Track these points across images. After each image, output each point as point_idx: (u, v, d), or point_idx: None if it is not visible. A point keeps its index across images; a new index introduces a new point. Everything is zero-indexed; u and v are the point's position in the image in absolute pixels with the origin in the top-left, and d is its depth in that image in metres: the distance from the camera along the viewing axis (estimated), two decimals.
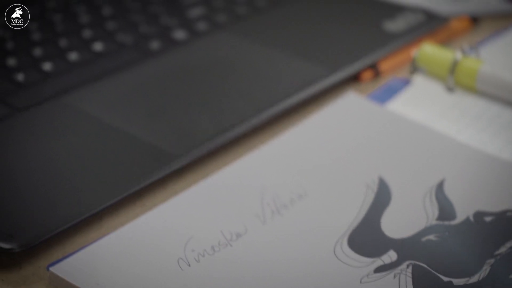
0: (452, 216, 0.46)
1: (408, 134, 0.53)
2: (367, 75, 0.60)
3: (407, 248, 0.44)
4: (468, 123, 0.55)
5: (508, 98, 0.57)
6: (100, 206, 0.45)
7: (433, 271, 0.43)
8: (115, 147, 0.50)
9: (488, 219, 0.46)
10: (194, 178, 0.49)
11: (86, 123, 0.52)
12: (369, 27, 0.65)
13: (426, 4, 0.69)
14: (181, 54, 0.60)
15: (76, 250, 0.43)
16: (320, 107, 0.56)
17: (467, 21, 0.68)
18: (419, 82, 0.60)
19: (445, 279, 0.42)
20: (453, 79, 0.58)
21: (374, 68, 0.60)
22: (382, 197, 0.47)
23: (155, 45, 0.61)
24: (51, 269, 0.41)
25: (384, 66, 0.61)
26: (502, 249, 0.44)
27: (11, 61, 0.57)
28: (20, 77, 0.55)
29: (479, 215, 0.46)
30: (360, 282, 0.42)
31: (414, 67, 0.60)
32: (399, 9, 0.67)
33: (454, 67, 0.58)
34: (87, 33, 0.61)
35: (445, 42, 0.65)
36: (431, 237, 0.45)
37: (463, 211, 0.47)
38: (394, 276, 0.42)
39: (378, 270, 0.43)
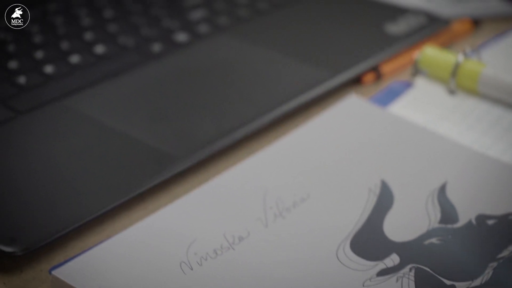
0: (455, 219, 0.46)
1: (410, 137, 0.53)
2: (369, 77, 0.60)
3: (409, 251, 0.44)
4: (470, 126, 0.55)
5: (510, 100, 0.57)
6: (102, 209, 0.45)
7: (435, 275, 0.43)
8: (117, 150, 0.50)
9: (490, 222, 0.46)
10: (196, 181, 0.49)
11: (88, 126, 0.52)
12: (371, 30, 0.65)
13: (428, 7, 0.69)
14: (183, 56, 0.60)
15: (78, 254, 0.43)
16: (322, 109, 0.56)
17: (468, 24, 0.68)
18: (421, 84, 0.60)
19: (448, 282, 0.42)
20: (455, 81, 0.58)
21: (376, 70, 0.60)
22: (384, 200, 0.47)
23: (156, 47, 0.61)
24: (53, 272, 0.41)
25: (386, 68, 0.61)
26: (505, 252, 0.44)
27: (13, 64, 0.57)
28: (22, 80, 0.55)
29: (481, 218, 0.46)
30: (363, 285, 0.42)
31: (416, 70, 0.60)
32: (401, 12, 0.67)
33: (456, 69, 0.58)
34: (88, 36, 0.61)
35: (447, 45, 0.65)
36: (434, 240, 0.45)
37: (465, 214, 0.47)
38: (397, 280, 0.42)
39: (381, 273, 0.43)
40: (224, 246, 0.44)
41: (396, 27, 0.65)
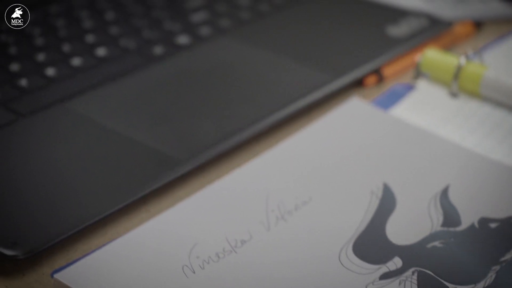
0: (457, 222, 0.46)
1: (412, 139, 0.53)
2: (371, 80, 0.60)
3: (412, 254, 0.44)
4: (472, 129, 0.55)
5: None
6: (104, 212, 0.45)
7: (438, 278, 0.42)
8: (119, 152, 0.50)
9: (493, 225, 0.46)
10: (198, 184, 0.49)
11: (89, 129, 0.51)
12: (372, 32, 0.65)
13: (429, 9, 0.69)
14: (185, 59, 0.60)
15: (81, 257, 0.43)
16: (324, 112, 0.56)
17: (470, 26, 0.68)
18: (423, 87, 0.59)
19: (451, 286, 0.42)
20: (457, 84, 0.58)
21: (377, 73, 0.60)
22: (387, 203, 0.47)
23: (158, 50, 0.60)
24: (56, 276, 0.41)
25: (388, 71, 0.61)
26: (508, 256, 0.44)
27: (15, 66, 0.57)
28: (23, 82, 0.55)
29: (484, 221, 0.46)
30: None
31: (418, 73, 0.60)
32: (403, 14, 0.67)
33: (458, 72, 0.58)
34: (90, 38, 0.61)
35: (449, 47, 0.65)
36: (436, 243, 0.45)
37: (468, 217, 0.46)
38: (400, 283, 0.42)
39: (384, 277, 0.42)
40: (226, 249, 0.44)
41: (398, 30, 0.65)
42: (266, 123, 0.53)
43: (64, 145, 0.50)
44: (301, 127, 0.54)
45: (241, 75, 0.59)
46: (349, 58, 0.61)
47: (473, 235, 0.45)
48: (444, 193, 0.48)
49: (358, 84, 0.60)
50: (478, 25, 0.69)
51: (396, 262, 0.43)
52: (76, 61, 0.58)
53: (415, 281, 0.42)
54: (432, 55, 0.60)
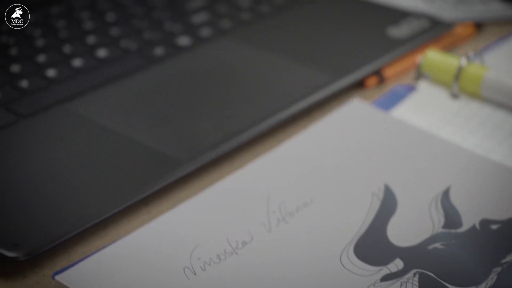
0: (458, 224, 0.46)
1: (413, 141, 0.53)
2: (372, 81, 0.60)
3: (413, 256, 0.44)
4: (473, 130, 0.55)
5: None
6: (105, 213, 0.45)
7: (439, 280, 0.42)
8: (120, 154, 0.50)
9: (494, 227, 0.46)
10: (199, 185, 0.49)
11: (90, 130, 0.51)
12: (373, 33, 0.65)
13: (430, 10, 0.69)
14: (185, 60, 0.60)
15: (82, 258, 0.43)
16: (324, 113, 0.56)
17: (471, 27, 0.68)
18: (424, 88, 0.59)
19: None
20: (457, 85, 0.58)
21: (378, 74, 0.60)
22: (388, 204, 0.47)
23: (159, 51, 0.60)
24: (57, 277, 0.41)
25: (389, 72, 0.61)
26: (509, 257, 0.44)
27: (15, 68, 0.57)
28: (24, 83, 0.55)
29: (485, 222, 0.46)
30: None
31: (419, 74, 0.60)
32: (403, 15, 0.67)
33: (459, 73, 0.58)
34: (91, 39, 0.61)
35: (450, 48, 0.65)
36: (438, 245, 0.45)
37: (469, 219, 0.46)
38: (401, 285, 0.42)
39: (385, 278, 0.42)
40: (227, 251, 0.44)
41: (398, 31, 0.65)
42: (267, 124, 0.53)
43: (65, 146, 0.50)
44: (302, 128, 0.54)
45: (242, 76, 0.59)
46: (350, 59, 0.61)
47: (474, 236, 0.45)
48: (445, 194, 0.48)
49: (359, 85, 0.60)
50: (479, 26, 0.69)
51: (397, 264, 0.43)
52: (76, 62, 0.58)
53: (416, 283, 0.42)
54: (433, 56, 0.60)
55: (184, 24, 0.64)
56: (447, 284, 0.42)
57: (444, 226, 0.46)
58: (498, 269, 0.43)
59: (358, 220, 0.46)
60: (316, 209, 0.47)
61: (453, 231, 0.46)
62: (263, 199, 0.47)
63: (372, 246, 0.44)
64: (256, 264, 0.43)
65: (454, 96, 0.59)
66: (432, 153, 0.52)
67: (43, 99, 0.54)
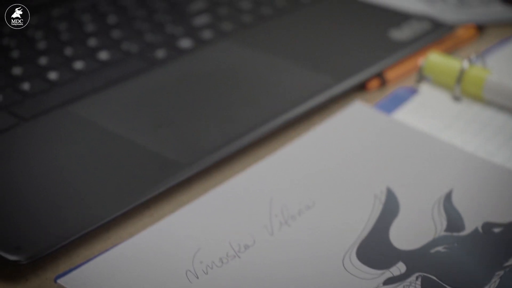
0: (461, 227, 0.46)
1: (416, 143, 0.53)
2: (374, 84, 0.60)
3: (416, 259, 0.44)
4: (475, 133, 0.55)
5: None
6: (108, 217, 0.45)
7: (442, 283, 0.42)
8: (122, 157, 0.50)
9: (497, 230, 0.46)
10: (201, 188, 0.49)
11: (92, 133, 0.51)
12: (375, 36, 0.65)
13: (432, 13, 0.69)
14: (187, 62, 0.60)
15: (84, 262, 0.43)
16: (326, 116, 0.55)
17: (473, 29, 0.68)
18: (426, 91, 0.59)
19: None
20: (459, 88, 0.58)
21: (380, 77, 0.60)
22: (390, 208, 0.47)
23: (160, 53, 0.60)
24: (59, 281, 0.41)
25: (391, 75, 0.61)
26: (511, 261, 0.44)
27: (17, 70, 0.57)
28: (26, 86, 0.55)
29: (487, 226, 0.46)
30: None
31: (421, 76, 0.60)
32: (405, 18, 0.67)
33: (461, 76, 0.58)
34: (92, 42, 0.61)
35: (451, 51, 0.65)
36: (440, 248, 0.45)
37: (471, 222, 0.46)
38: None
39: (387, 282, 0.42)
40: (229, 254, 0.44)
41: (400, 33, 0.65)
42: (269, 127, 0.53)
43: (67, 149, 0.50)
44: (304, 131, 0.54)
45: (243, 78, 0.58)
46: (351, 62, 0.61)
47: (477, 240, 0.45)
48: (448, 197, 0.48)
49: (360, 87, 0.60)
50: (480, 28, 0.69)
51: (400, 267, 0.43)
52: (78, 65, 0.58)
53: (419, 287, 0.42)
54: (435, 59, 0.60)
55: (185, 27, 0.64)
56: None
57: (447, 230, 0.46)
58: (501, 272, 0.43)
59: (361, 223, 0.46)
60: (318, 212, 0.47)
61: (455, 234, 0.46)
62: (265, 202, 0.47)
63: (375, 250, 0.44)
64: (258, 267, 0.43)
65: (456, 98, 0.59)
66: (434, 156, 0.52)
67: (44, 101, 0.54)
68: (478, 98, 0.58)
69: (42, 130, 0.52)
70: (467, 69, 0.58)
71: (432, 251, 0.44)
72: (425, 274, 0.43)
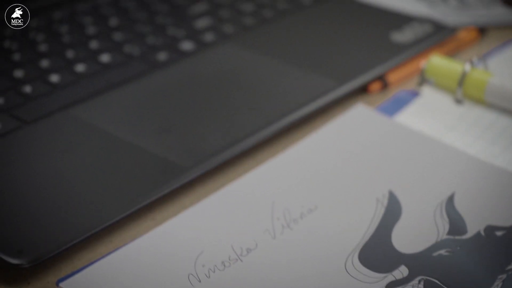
0: (463, 230, 0.46)
1: (418, 146, 0.53)
2: (375, 86, 0.60)
3: (418, 263, 0.44)
4: (477, 136, 0.55)
5: None
6: (110, 220, 0.45)
7: (445, 287, 0.42)
8: (124, 160, 0.49)
9: (499, 233, 0.46)
10: (204, 192, 0.49)
11: (94, 136, 0.51)
12: (376, 38, 0.65)
13: (433, 15, 0.69)
14: (189, 65, 0.60)
15: (86, 265, 0.43)
16: (328, 119, 0.55)
17: (474, 32, 0.68)
18: (428, 93, 0.59)
19: None
20: (461, 91, 0.58)
21: (382, 79, 0.60)
22: (392, 211, 0.47)
23: (162, 56, 0.60)
24: (61, 284, 0.41)
25: (392, 77, 0.61)
26: None
27: (19, 73, 0.57)
28: (27, 89, 0.55)
29: (490, 229, 0.46)
30: None
31: (423, 79, 0.60)
32: (407, 20, 0.67)
33: (462, 79, 0.58)
34: (94, 45, 0.61)
35: (453, 53, 0.65)
36: (442, 252, 0.45)
37: (474, 225, 0.46)
38: None
39: (390, 285, 0.42)
40: (232, 257, 0.43)
41: (402, 36, 0.65)
42: (271, 130, 0.53)
43: (69, 152, 0.50)
44: (306, 134, 0.54)
45: (245, 81, 0.58)
46: (353, 64, 0.61)
47: (480, 243, 0.45)
48: (450, 200, 0.48)
49: (362, 90, 0.60)
50: (482, 31, 0.69)
51: (402, 271, 0.43)
52: (80, 68, 0.58)
53: None
54: (436, 62, 0.60)
55: (187, 29, 0.64)
56: None
57: (449, 233, 0.46)
58: (503, 276, 0.43)
59: (363, 226, 0.46)
60: (321, 215, 0.47)
61: (458, 237, 0.45)
62: (267, 205, 0.47)
63: (377, 253, 0.44)
64: (260, 271, 0.43)
65: (458, 101, 0.59)
66: (436, 159, 0.52)
67: (46, 104, 0.54)
68: (480, 101, 0.58)
69: (44, 133, 0.52)
70: (469, 72, 0.58)
71: (435, 254, 0.44)
72: (428, 278, 0.43)
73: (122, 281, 0.42)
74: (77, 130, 0.52)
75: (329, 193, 0.48)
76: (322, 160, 0.51)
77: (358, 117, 0.56)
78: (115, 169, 0.49)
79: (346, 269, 0.43)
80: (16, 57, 0.59)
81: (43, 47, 0.60)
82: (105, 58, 0.60)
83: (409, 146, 0.53)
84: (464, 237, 0.46)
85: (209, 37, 0.64)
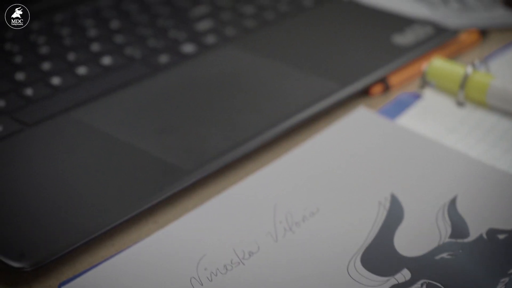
0: (465, 233, 0.46)
1: (420, 149, 0.53)
2: (377, 89, 0.60)
3: (421, 266, 0.44)
4: (479, 138, 0.55)
5: None
6: (112, 223, 0.45)
7: None
8: (126, 163, 0.49)
9: (501, 236, 0.46)
10: (206, 194, 0.49)
11: (96, 139, 0.51)
12: (378, 41, 0.65)
13: (435, 17, 0.69)
14: (190, 67, 0.60)
15: (88, 269, 0.43)
16: (330, 122, 0.55)
17: (476, 34, 0.68)
18: (429, 96, 0.59)
19: None
20: (463, 93, 0.58)
21: (384, 82, 0.60)
22: (394, 214, 0.47)
23: (163, 58, 0.60)
24: None
25: (394, 80, 0.61)
26: None
27: (20, 76, 0.57)
28: (29, 91, 0.55)
29: (492, 232, 0.46)
30: None
31: (424, 81, 0.60)
32: (408, 23, 0.67)
33: (464, 81, 0.58)
34: (95, 47, 0.61)
35: (455, 56, 0.65)
36: (445, 255, 0.44)
37: (476, 229, 0.46)
38: None
39: None
40: (234, 261, 0.43)
41: (403, 38, 0.64)
42: (272, 133, 0.53)
43: (70, 155, 0.50)
44: (308, 136, 0.54)
45: (246, 84, 0.58)
46: (355, 67, 0.61)
47: (482, 246, 0.45)
48: (452, 203, 0.48)
49: (364, 93, 0.60)
50: (483, 33, 0.68)
51: (404, 274, 0.43)
52: (81, 70, 0.58)
53: None
54: (438, 64, 0.60)
55: (188, 32, 0.64)
56: None
57: (451, 236, 0.46)
58: (506, 279, 0.43)
59: (365, 230, 0.46)
60: (323, 218, 0.47)
61: (460, 241, 0.45)
62: (269, 208, 0.47)
63: (379, 256, 0.44)
64: (262, 274, 0.43)
65: (460, 104, 0.59)
66: (438, 161, 0.52)
67: (47, 107, 0.54)
68: (482, 104, 0.58)
69: (45, 136, 0.52)
70: (470, 75, 0.58)
71: (437, 257, 0.44)
72: (430, 281, 0.43)
73: (124, 285, 0.42)
74: (79, 133, 0.52)
75: (331, 196, 0.48)
76: (323, 163, 0.51)
77: (360, 120, 0.55)
78: (117, 172, 0.49)
79: (348, 273, 0.43)
80: (18, 59, 0.59)
81: (44, 50, 0.60)
82: (106, 60, 0.59)
83: (411, 148, 0.53)
84: (466, 240, 0.46)
85: (210, 39, 0.64)
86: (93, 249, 0.45)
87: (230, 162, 0.50)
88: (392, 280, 0.43)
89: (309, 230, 0.46)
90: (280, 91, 0.58)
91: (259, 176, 0.50)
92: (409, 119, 0.57)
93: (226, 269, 0.43)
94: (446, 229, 0.46)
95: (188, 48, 0.62)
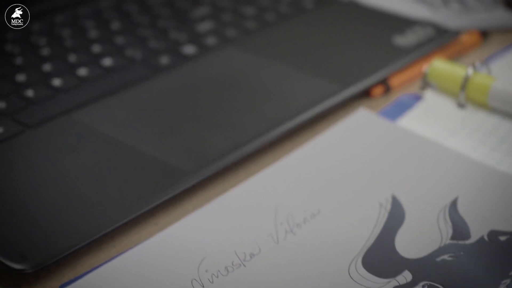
0: (467, 235, 0.46)
1: (421, 151, 0.53)
2: (378, 90, 0.60)
3: (422, 268, 0.44)
4: (480, 140, 0.55)
5: None
6: (112, 225, 0.45)
7: None
8: (126, 164, 0.49)
9: (503, 238, 0.46)
10: (206, 196, 0.49)
11: (96, 140, 0.51)
12: (379, 42, 0.65)
13: (436, 19, 0.69)
14: (191, 69, 0.60)
15: (89, 271, 0.43)
16: (331, 123, 0.55)
17: (477, 36, 0.68)
18: (430, 97, 0.59)
19: None
20: (464, 95, 0.58)
21: (384, 83, 0.60)
22: (395, 216, 0.47)
23: (164, 60, 0.60)
24: None
25: (395, 81, 0.61)
26: None
27: (21, 77, 0.57)
28: (30, 93, 0.55)
29: (493, 234, 0.46)
30: None
31: (425, 83, 0.60)
32: (409, 24, 0.67)
33: (465, 83, 0.58)
34: (96, 48, 0.61)
35: (455, 57, 0.65)
36: (446, 257, 0.44)
37: (477, 230, 0.46)
38: None
39: None
40: (235, 263, 0.43)
41: (404, 40, 0.64)
42: (273, 134, 0.53)
43: (72, 157, 0.50)
44: (308, 138, 0.54)
45: (247, 85, 0.58)
46: (355, 68, 0.61)
47: (483, 248, 0.45)
48: (453, 205, 0.48)
49: (365, 94, 0.60)
50: (484, 34, 0.68)
51: (406, 276, 0.43)
52: (82, 72, 0.58)
53: None
54: (439, 66, 0.60)
55: (189, 33, 0.64)
56: None
57: (453, 238, 0.46)
58: (507, 281, 0.43)
59: (366, 231, 0.46)
60: (324, 220, 0.47)
61: (461, 242, 0.45)
62: (270, 210, 0.47)
63: (380, 258, 0.44)
64: (264, 276, 0.43)
65: (461, 105, 0.58)
66: (439, 163, 0.52)
67: (48, 108, 0.54)
68: (483, 105, 0.58)
69: (46, 137, 0.51)
70: (471, 76, 0.58)
71: (438, 259, 0.44)
72: (431, 283, 0.43)
73: (125, 287, 0.42)
74: (80, 134, 0.52)
75: (332, 198, 0.48)
76: (324, 165, 0.51)
77: (361, 121, 0.55)
78: (118, 173, 0.49)
79: (349, 274, 0.43)
80: (18, 61, 0.59)
81: (45, 51, 0.60)
82: (107, 62, 0.59)
83: (412, 150, 0.53)
84: (468, 242, 0.45)
85: (211, 40, 0.64)
86: (94, 250, 0.45)
87: (231, 163, 0.50)
88: (394, 282, 0.43)
89: (310, 232, 0.46)
90: (281, 93, 0.58)
91: (260, 178, 0.50)
92: (410, 121, 0.57)
93: (227, 270, 0.43)
94: (447, 230, 0.46)
95: (189, 49, 0.62)
